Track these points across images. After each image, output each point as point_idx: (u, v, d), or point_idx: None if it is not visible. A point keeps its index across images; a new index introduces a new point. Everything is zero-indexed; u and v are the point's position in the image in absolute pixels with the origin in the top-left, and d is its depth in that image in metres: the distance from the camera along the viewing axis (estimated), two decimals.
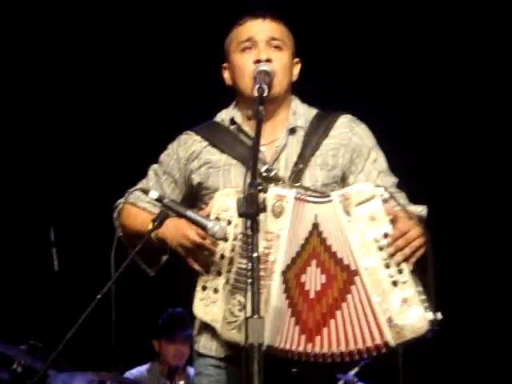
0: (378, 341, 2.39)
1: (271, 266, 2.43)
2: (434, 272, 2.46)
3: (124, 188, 2.71)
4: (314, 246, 2.45)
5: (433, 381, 5.59)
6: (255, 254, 2.19)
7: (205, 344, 2.63)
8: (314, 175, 2.62)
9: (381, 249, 2.42)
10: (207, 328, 2.58)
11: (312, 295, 2.43)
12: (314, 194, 2.51)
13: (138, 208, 2.72)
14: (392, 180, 2.70)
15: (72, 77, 5.55)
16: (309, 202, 2.47)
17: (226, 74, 2.75)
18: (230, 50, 2.72)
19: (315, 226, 2.46)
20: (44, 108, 5.59)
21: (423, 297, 2.40)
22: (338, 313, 2.42)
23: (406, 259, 2.41)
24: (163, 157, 2.80)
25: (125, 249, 2.68)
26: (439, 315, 2.41)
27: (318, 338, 2.41)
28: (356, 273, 2.41)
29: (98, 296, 2.34)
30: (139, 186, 2.75)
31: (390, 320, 2.40)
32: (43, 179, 5.66)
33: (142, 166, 2.86)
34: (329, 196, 2.46)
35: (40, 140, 5.66)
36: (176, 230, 2.53)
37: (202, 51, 5.08)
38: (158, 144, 2.87)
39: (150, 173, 2.80)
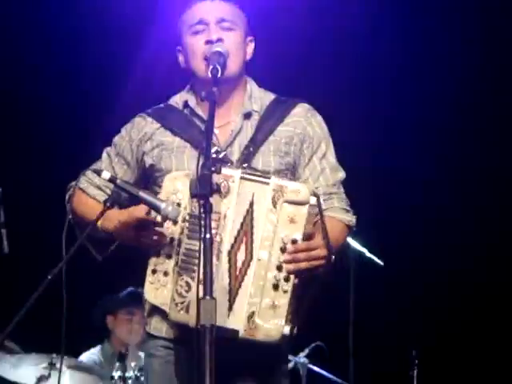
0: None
1: (218, 246, 2.43)
2: (313, 294, 2.51)
3: (78, 167, 2.67)
4: (247, 225, 2.47)
5: None
6: (208, 235, 2.19)
7: (155, 325, 2.63)
8: (267, 161, 2.62)
9: (282, 250, 2.44)
10: (157, 310, 2.58)
11: (239, 269, 2.47)
12: (258, 173, 2.52)
13: (89, 195, 2.72)
14: (338, 176, 2.72)
15: None
16: (251, 180, 2.47)
17: (180, 57, 2.73)
18: (181, 33, 2.71)
19: (251, 204, 2.47)
20: None
21: (290, 311, 2.44)
22: (247, 278, 2.47)
23: (297, 272, 2.43)
24: (116, 139, 2.78)
25: (75, 231, 2.66)
26: (293, 331, 2.46)
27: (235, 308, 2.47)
28: (251, 259, 2.45)
29: (49, 277, 2.33)
30: (92, 167, 2.72)
31: (252, 314, 2.44)
32: None
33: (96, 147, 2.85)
34: (269, 179, 2.46)
35: None
36: (124, 218, 2.53)
37: None
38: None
39: (104, 155, 2.78)
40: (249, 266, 2.45)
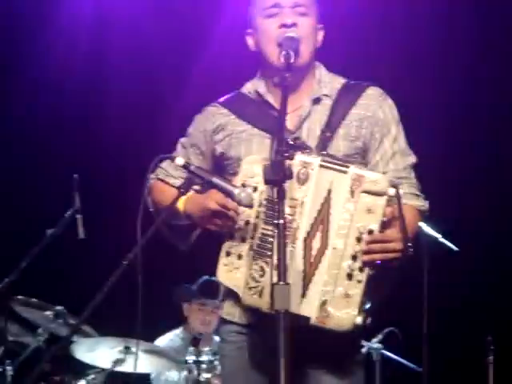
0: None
1: (294, 233, 2.45)
2: (389, 289, 2.52)
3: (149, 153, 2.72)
4: (324, 213, 2.48)
5: None
6: (281, 221, 2.22)
7: (228, 310, 2.69)
8: (337, 145, 2.64)
9: (358, 240, 2.44)
10: (231, 294, 2.63)
11: (314, 257, 2.48)
12: (338, 161, 2.52)
13: (167, 184, 2.78)
14: (408, 161, 2.73)
15: None
16: (330, 168, 2.48)
17: (250, 41, 2.74)
18: (254, 16, 2.71)
19: (329, 192, 2.48)
20: None
21: (363, 302, 2.46)
22: (321, 267, 2.48)
23: (372, 263, 2.44)
24: (190, 130, 2.83)
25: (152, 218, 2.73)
26: (368, 321, 2.48)
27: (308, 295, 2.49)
28: (326, 247, 2.46)
29: (125, 262, 2.38)
30: (166, 155, 2.77)
31: (324, 302, 2.46)
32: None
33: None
34: (348, 167, 2.47)
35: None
36: (196, 204, 2.57)
37: None
38: None
39: (178, 146, 2.84)
40: (324, 253, 2.47)
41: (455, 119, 5.88)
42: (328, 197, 2.49)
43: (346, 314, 2.46)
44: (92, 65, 5.95)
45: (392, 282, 2.53)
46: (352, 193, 2.47)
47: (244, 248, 2.56)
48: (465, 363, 5.73)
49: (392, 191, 2.44)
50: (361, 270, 2.46)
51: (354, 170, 2.47)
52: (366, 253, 2.44)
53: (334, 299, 2.47)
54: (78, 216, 4.08)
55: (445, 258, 5.02)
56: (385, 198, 2.43)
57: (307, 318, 2.45)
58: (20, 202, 5.90)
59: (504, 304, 5.88)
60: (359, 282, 2.45)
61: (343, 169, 2.48)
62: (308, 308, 2.47)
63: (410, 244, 2.48)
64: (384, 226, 2.46)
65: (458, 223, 5.47)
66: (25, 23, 5.84)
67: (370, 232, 2.44)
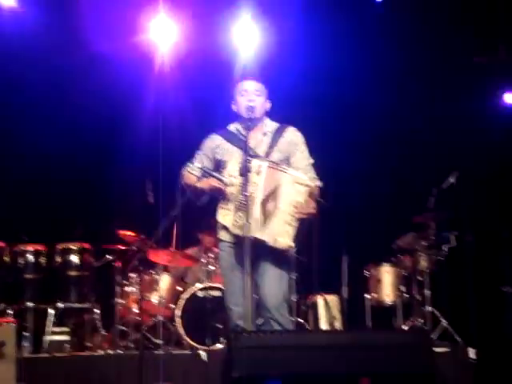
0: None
1: (254, 199, 4.57)
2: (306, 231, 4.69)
3: None
4: (276, 191, 4.60)
5: None
6: (247, 193, 4.48)
7: (223, 235, 4.82)
8: (275, 156, 4.78)
9: (294, 207, 4.59)
10: (224, 227, 4.75)
11: (270, 211, 4.60)
12: (278, 165, 4.68)
13: (191, 174, 4.89)
14: (310, 161, 4.87)
15: None
16: (278, 169, 4.64)
17: (234, 107, 4.91)
18: (235, 95, 4.89)
19: (279, 182, 4.60)
20: None
21: (294, 236, 4.60)
22: (274, 217, 4.59)
23: (299, 217, 4.60)
24: (202, 146, 4.95)
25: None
26: (293, 244, 4.61)
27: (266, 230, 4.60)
28: (276, 208, 4.59)
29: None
30: (191, 160, 4.91)
31: (275, 234, 4.54)
32: None
33: None
34: (288, 170, 4.64)
35: None
36: (206, 184, 4.73)
37: None
38: None
39: (196, 155, 4.95)
40: (276, 211, 4.56)
41: None
42: (279, 184, 4.55)
43: (286, 241, 4.56)
44: None
45: (306, 227, 4.73)
46: (292, 183, 4.57)
47: (232, 205, 4.63)
48: None
49: (310, 183, 4.63)
50: (294, 220, 4.56)
51: (291, 171, 4.62)
52: (297, 213, 4.56)
53: (279, 233, 4.53)
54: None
55: None
56: (306, 186, 4.61)
57: (264, 241, 4.53)
58: None
59: None
60: (293, 226, 4.57)
61: (285, 169, 4.60)
62: (266, 236, 4.51)
63: (316, 208, 4.69)
64: (306, 200, 4.60)
65: None
66: None
67: (299, 202, 4.57)
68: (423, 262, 7.64)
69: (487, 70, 8.14)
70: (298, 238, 4.71)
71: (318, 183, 4.85)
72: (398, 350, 3.72)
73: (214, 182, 4.71)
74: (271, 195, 4.60)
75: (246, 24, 7.55)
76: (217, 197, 4.80)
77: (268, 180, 4.62)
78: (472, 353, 6.53)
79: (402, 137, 8.57)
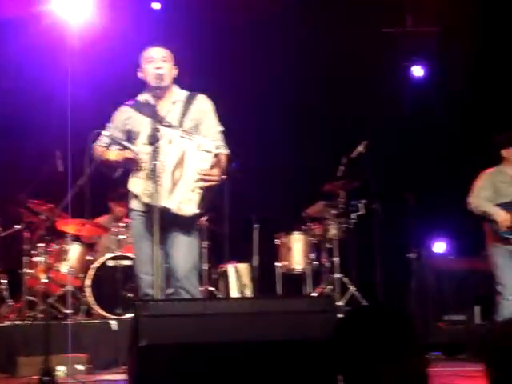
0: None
1: (164, 168, 4.54)
2: (211, 198, 4.63)
3: None
4: (182, 159, 4.57)
5: None
6: (158, 162, 4.45)
7: (134, 204, 4.79)
8: (186, 125, 4.73)
9: (197, 173, 4.50)
10: (134, 196, 4.72)
11: (176, 179, 4.55)
12: (188, 133, 4.65)
13: (100, 146, 4.80)
14: (219, 129, 4.84)
15: None
16: (184, 137, 4.62)
17: (140, 74, 4.82)
18: (141, 62, 4.79)
19: (185, 150, 4.57)
20: None
21: (199, 202, 4.54)
22: (179, 184, 4.54)
23: (204, 184, 4.55)
24: (112, 118, 4.85)
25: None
26: (199, 212, 4.58)
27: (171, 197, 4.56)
28: (182, 176, 4.55)
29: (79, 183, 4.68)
30: (100, 131, 4.81)
31: (180, 202, 4.50)
32: None
33: None
34: (194, 138, 4.61)
35: None
36: (119, 155, 4.67)
37: None
38: None
39: (106, 127, 4.83)
40: (181, 178, 4.54)
41: None
42: (184, 152, 4.52)
43: (189, 208, 4.51)
44: None
45: (212, 194, 4.66)
46: (197, 150, 4.50)
47: (143, 174, 4.53)
48: None
49: (215, 151, 4.60)
50: (199, 188, 4.54)
51: (197, 138, 4.58)
52: (202, 180, 4.52)
53: (184, 201, 4.52)
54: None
55: None
56: (212, 154, 4.57)
57: (170, 209, 4.49)
58: None
59: None
60: (198, 193, 4.52)
61: (192, 137, 4.57)
62: (171, 204, 4.47)
63: (223, 176, 4.68)
64: (211, 167, 4.57)
65: None
66: None
67: (204, 170, 4.49)
68: (332, 230, 7.78)
69: (395, 41, 8.26)
70: (207, 207, 4.71)
71: (225, 151, 4.82)
72: (305, 316, 3.77)
73: (127, 154, 4.66)
74: (179, 163, 4.60)
75: None
76: (127, 166, 4.74)
77: (179, 149, 4.61)
78: None
79: (313, 107, 8.65)
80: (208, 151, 4.61)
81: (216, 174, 4.63)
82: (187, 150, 4.60)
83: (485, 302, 6.84)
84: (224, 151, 4.82)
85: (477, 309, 7.09)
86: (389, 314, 2.08)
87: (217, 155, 4.66)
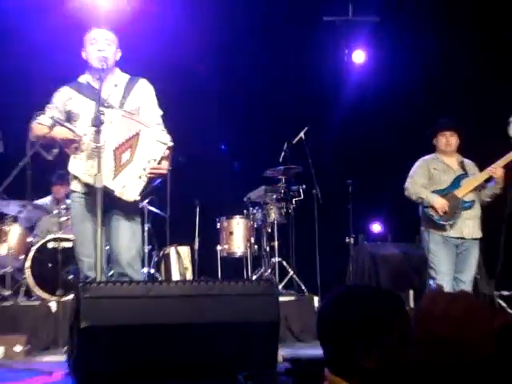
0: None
1: (106, 147, 4.45)
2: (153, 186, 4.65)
3: None
4: (133, 142, 4.54)
5: None
6: (100, 144, 4.38)
7: (74, 186, 4.72)
8: (127, 106, 4.70)
9: (148, 162, 4.54)
10: (75, 178, 4.63)
11: (123, 162, 4.52)
12: (129, 114, 4.60)
13: (42, 125, 4.69)
14: (159, 113, 4.81)
15: None
16: (133, 119, 4.57)
17: (84, 55, 4.75)
18: (85, 43, 4.73)
19: (138, 133, 4.53)
20: None
21: (142, 190, 4.54)
22: (126, 168, 4.50)
23: (151, 175, 4.54)
24: (52, 99, 4.78)
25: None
26: (138, 198, 4.57)
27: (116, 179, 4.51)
28: (131, 160, 4.52)
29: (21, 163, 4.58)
30: (41, 111, 4.74)
31: (124, 186, 4.45)
32: None
33: None
34: (151, 126, 4.59)
35: None
36: (59, 134, 4.59)
37: None
38: None
39: (46, 107, 4.76)
40: (130, 162, 4.49)
41: None
42: (138, 137, 4.48)
43: (132, 194, 4.50)
44: None
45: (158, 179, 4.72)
46: (153, 140, 4.52)
47: (84, 155, 4.47)
48: None
49: (170, 143, 4.57)
50: (145, 175, 4.50)
51: (155, 128, 4.57)
52: (151, 169, 4.49)
53: (128, 186, 4.48)
54: None
55: None
56: (166, 146, 4.55)
57: (113, 191, 4.45)
58: None
59: None
60: (143, 180, 4.51)
61: (147, 125, 4.54)
62: (115, 186, 4.44)
63: (169, 168, 4.67)
64: (161, 159, 4.54)
65: None
66: None
67: (155, 160, 4.52)
68: (273, 215, 7.80)
69: (337, 29, 8.28)
70: (149, 191, 4.75)
71: (171, 143, 4.75)
72: (245, 299, 3.78)
73: (66, 133, 4.58)
74: (125, 145, 4.55)
75: None
76: (67, 148, 4.65)
77: (122, 129, 4.55)
78: (317, 301, 6.73)
79: (257, 94, 8.64)
80: (164, 143, 4.60)
81: (165, 167, 4.64)
82: (142, 136, 4.57)
83: (418, 287, 6.95)
84: (170, 144, 4.75)
85: (411, 293, 7.20)
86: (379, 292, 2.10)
87: (169, 148, 4.63)
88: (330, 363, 1.98)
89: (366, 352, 1.85)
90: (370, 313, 1.90)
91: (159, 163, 4.59)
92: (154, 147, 4.57)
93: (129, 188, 4.53)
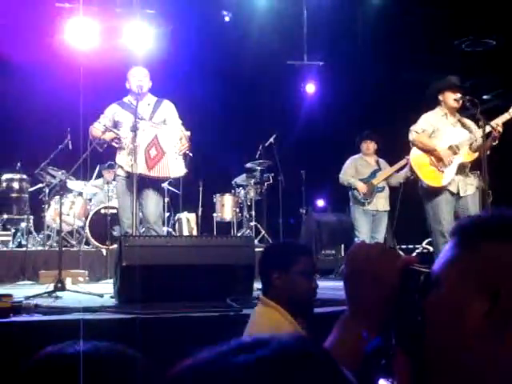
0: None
1: (140, 147, 4.54)
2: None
3: None
4: (155, 142, 4.63)
5: None
6: (136, 144, 4.45)
7: (119, 171, 4.77)
8: (157, 119, 4.76)
9: (174, 146, 4.60)
10: (120, 166, 4.70)
11: (152, 156, 4.62)
12: (155, 124, 4.68)
13: (97, 129, 4.76)
14: (180, 122, 4.83)
15: None
16: (155, 127, 4.65)
17: (128, 85, 4.81)
18: (128, 78, 4.79)
19: (156, 135, 4.63)
20: None
21: (185, 164, 4.64)
22: (163, 159, 4.59)
23: (182, 152, 4.63)
24: (105, 111, 4.84)
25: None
26: (186, 171, 4.66)
27: (153, 170, 4.61)
28: (165, 152, 4.62)
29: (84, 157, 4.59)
30: (98, 120, 4.79)
31: (172, 170, 4.57)
32: None
33: None
34: (164, 127, 4.65)
35: None
36: (107, 136, 4.66)
37: None
38: None
39: (101, 116, 4.83)
40: (164, 154, 4.53)
41: None
42: (157, 137, 4.53)
43: (180, 170, 4.62)
44: None
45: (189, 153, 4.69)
46: (170, 132, 4.61)
47: (125, 151, 4.60)
48: None
49: (183, 129, 4.62)
50: (178, 154, 4.56)
51: (168, 127, 4.63)
52: (180, 148, 4.56)
53: (174, 167, 4.55)
54: None
55: None
56: (178, 130, 4.62)
57: (148, 175, 4.51)
58: None
59: None
60: (180, 157, 4.57)
61: (158, 126, 4.61)
62: (153, 172, 4.52)
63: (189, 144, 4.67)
64: (180, 139, 4.59)
65: None
66: None
67: (178, 142, 4.57)
68: (251, 194, 7.82)
69: (296, 69, 8.28)
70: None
71: (187, 133, 4.79)
72: (232, 248, 3.83)
73: (113, 136, 4.65)
74: (151, 144, 4.58)
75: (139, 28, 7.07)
76: (114, 145, 4.71)
77: (150, 134, 4.60)
78: None
79: (242, 111, 8.61)
80: (179, 129, 4.67)
81: (185, 144, 4.63)
82: (160, 135, 4.58)
83: (347, 242, 7.03)
84: (187, 132, 4.77)
85: (342, 246, 7.28)
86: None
87: (183, 132, 4.66)
88: (262, 288, 2.14)
89: (278, 278, 2.08)
90: (284, 252, 2.14)
91: (182, 142, 4.61)
92: (173, 135, 4.59)
93: (176, 169, 4.56)
